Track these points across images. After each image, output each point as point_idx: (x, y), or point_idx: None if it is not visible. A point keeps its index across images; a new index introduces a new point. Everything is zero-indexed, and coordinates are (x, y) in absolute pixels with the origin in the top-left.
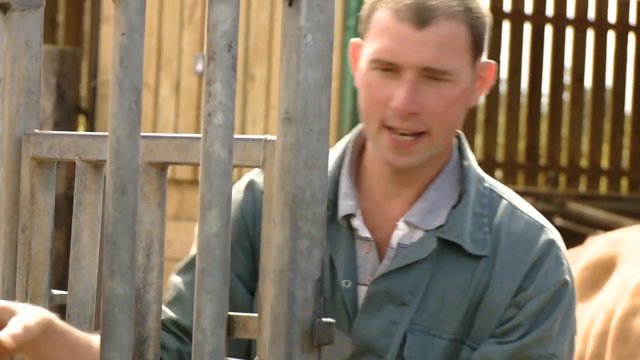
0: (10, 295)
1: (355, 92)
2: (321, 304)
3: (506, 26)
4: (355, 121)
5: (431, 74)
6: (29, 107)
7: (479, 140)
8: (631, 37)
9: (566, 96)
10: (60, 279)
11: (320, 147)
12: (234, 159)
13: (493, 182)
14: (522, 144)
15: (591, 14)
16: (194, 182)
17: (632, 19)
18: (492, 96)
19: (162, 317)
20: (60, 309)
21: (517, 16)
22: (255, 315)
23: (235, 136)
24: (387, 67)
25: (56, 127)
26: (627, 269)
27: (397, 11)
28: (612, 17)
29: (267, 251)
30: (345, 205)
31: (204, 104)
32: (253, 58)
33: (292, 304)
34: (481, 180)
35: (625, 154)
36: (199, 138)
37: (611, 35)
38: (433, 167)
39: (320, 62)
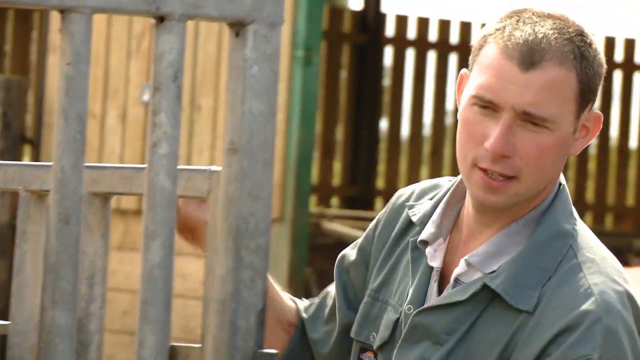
0: None
1: (302, 123)
2: (263, 335)
3: (432, 56)
4: (301, 152)
5: (529, 119)
6: None
7: (424, 172)
8: None
9: None
10: (3, 308)
11: (264, 177)
12: (179, 189)
13: (583, 241)
14: None
15: None
16: (138, 212)
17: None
18: (439, 128)
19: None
20: (2, 339)
21: (443, 46)
22: (198, 345)
23: (180, 167)
24: (487, 105)
25: (1, 156)
26: None
27: (506, 48)
28: None
29: (210, 281)
30: (426, 232)
31: (149, 134)
32: (200, 88)
33: (235, 334)
34: (565, 235)
35: (570, 186)
36: (143, 168)
37: None
38: (517, 212)
39: (266, 93)
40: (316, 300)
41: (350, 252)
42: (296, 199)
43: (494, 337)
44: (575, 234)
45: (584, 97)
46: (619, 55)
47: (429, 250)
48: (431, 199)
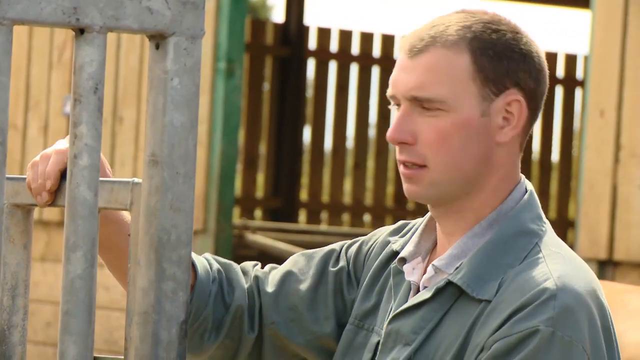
0: None
1: (224, 135)
2: (185, 347)
3: (354, 68)
4: (223, 164)
5: (420, 103)
6: None
7: (347, 184)
8: None
9: None
10: None
11: (186, 189)
12: (101, 201)
13: (550, 240)
14: (390, 189)
15: None
16: (61, 224)
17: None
18: (362, 141)
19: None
20: None
21: (365, 59)
22: (121, 357)
23: (102, 179)
24: (393, 101)
25: None
26: None
27: (402, 43)
28: None
29: (132, 293)
30: (405, 250)
31: (70, 145)
32: (122, 100)
33: (157, 346)
34: (530, 234)
35: None
36: (64, 180)
37: None
38: (475, 214)
39: (187, 106)
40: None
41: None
42: (219, 211)
43: (457, 329)
44: (543, 234)
45: (487, 79)
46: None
47: (406, 266)
48: (414, 231)
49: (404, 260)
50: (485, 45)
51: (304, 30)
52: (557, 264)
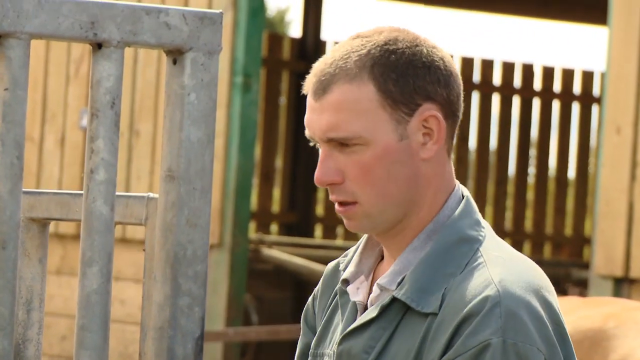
0: None
1: (241, 149)
2: None
3: None
4: (239, 178)
5: (339, 142)
6: None
7: None
8: (515, 100)
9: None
10: None
11: (202, 205)
12: (117, 216)
13: (490, 245)
14: None
15: (476, 76)
16: (77, 237)
17: (517, 82)
18: None
19: None
20: None
21: None
22: None
23: (118, 193)
24: (314, 142)
25: None
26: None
27: (307, 83)
28: (497, 79)
29: (147, 308)
30: (348, 271)
31: (87, 160)
32: (139, 114)
33: None
34: (470, 240)
35: (509, 215)
36: (81, 194)
37: (496, 98)
38: (412, 229)
39: (204, 121)
40: None
41: (303, 338)
42: (235, 225)
43: (408, 345)
44: (483, 239)
45: (397, 102)
46: (557, 86)
47: (350, 287)
48: (354, 252)
49: (347, 282)
50: (386, 70)
51: (320, 45)
52: (497, 267)
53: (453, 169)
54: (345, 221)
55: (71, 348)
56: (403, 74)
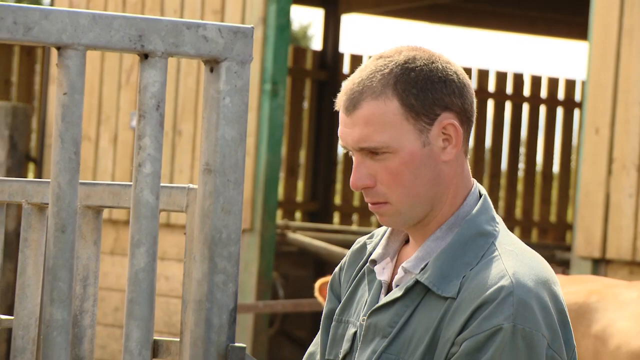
0: None
1: (269, 147)
2: (234, 331)
3: None
4: (268, 172)
5: (370, 151)
6: None
7: None
8: (507, 105)
9: None
10: (11, 305)
11: (235, 195)
12: (161, 204)
13: (504, 239)
14: None
15: (473, 84)
16: (127, 222)
17: (509, 89)
18: None
19: None
20: (8, 332)
21: None
22: (177, 339)
23: (162, 184)
24: (348, 150)
25: (8, 173)
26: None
27: (339, 100)
28: (491, 87)
29: (188, 284)
30: (375, 253)
31: (135, 155)
32: (181, 115)
33: (209, 330)
34: (486, 234)
35: (501, 204)
36: (130, 185)
37: (490, 103)
38: (436, 221)
39: (237, 121)
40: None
41: (328, 303)
42: (264, 212)
43: (427, 323)
44: (497, 234)
45: (418, 114)
46: (544, 92)
47: (377, 267)
48: (382, 236)
49: (374, 262)
50: (408, 86)
51: (339, 57)
52: (511, 261)
53: (469, 168)
54: (378, 217)
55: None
56: (423, 89)
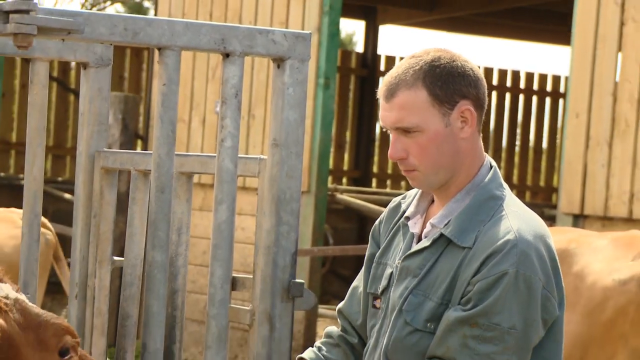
0: (85, 261)
1: (322, 127)
2: (295, 270)
3: None
4: (321, 147)
5: (403, 130)
6: (100, 133)
7: None
8: (507, 96)
9: None
10: (122, 249)
11: (296, 163)
12: (238, 170)
13: (510, 202)
14: None
15: None
16: (212, 185)
17: (508, 83)
18: None
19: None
20: (119, 270)
21: None
22: (250, 276)
23: (240, 155)
24: (387, 129)
25: (121, 147)
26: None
27: (379, 89)
28: (495, 81)
29: (259, 233)
30: (409, 211)
31: (218, 133)
32: (255, 102)
33: (276, 269)
34: (496, 198)
35: (502, 173)
36: (215, 156)
37: (494, 94)
38: (456, 186)
39: (298, 107)
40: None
41: (370, 248)
42: (318, 178)
43: (448, 267)
44: (504, 197)
45: (442, 101)
46: (535, 85)
47: (410, 222)
48: (414, 197)
49: (408, 218)
50: (434, 79)
51: (377, 58)
52: (515, 219)
53: (482, 144)
54: (410, 181)
55: (208, 260)
56: (446, 81)
